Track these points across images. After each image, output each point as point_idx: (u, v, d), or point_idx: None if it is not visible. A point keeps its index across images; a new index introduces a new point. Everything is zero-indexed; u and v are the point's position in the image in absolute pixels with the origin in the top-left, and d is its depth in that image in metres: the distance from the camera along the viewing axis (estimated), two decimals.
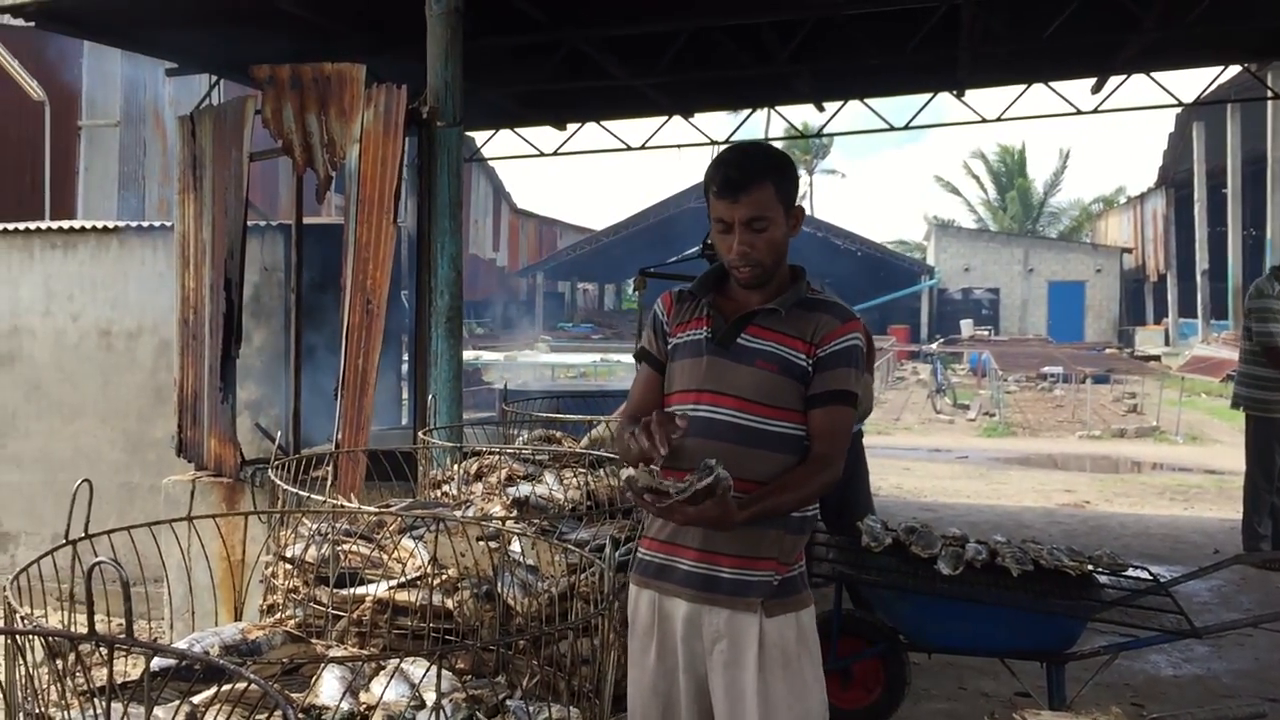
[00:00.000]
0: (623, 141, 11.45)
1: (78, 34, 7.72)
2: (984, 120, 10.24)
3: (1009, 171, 49.36)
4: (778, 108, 11.26)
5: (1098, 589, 4.26)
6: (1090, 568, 4.29)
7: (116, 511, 7.05)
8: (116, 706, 1.71)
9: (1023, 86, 9.96)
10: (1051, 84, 9.70)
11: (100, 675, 1.77)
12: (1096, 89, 9.74)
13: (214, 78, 8.22)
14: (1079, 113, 10.03)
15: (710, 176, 2.54)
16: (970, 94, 9.91)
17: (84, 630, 1.58)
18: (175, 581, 2.80)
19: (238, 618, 3.00)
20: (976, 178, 50.34)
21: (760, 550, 2.49)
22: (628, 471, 2.40)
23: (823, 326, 2.53)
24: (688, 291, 2.68)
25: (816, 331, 2.53)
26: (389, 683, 2.03)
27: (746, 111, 11.29)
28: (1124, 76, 9.54)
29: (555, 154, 11.54)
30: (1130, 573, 4.40)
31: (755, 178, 2.48)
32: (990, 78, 9.66)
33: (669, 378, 2.65)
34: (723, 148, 2.69)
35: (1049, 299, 39.80)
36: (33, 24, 6.72)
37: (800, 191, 2.65)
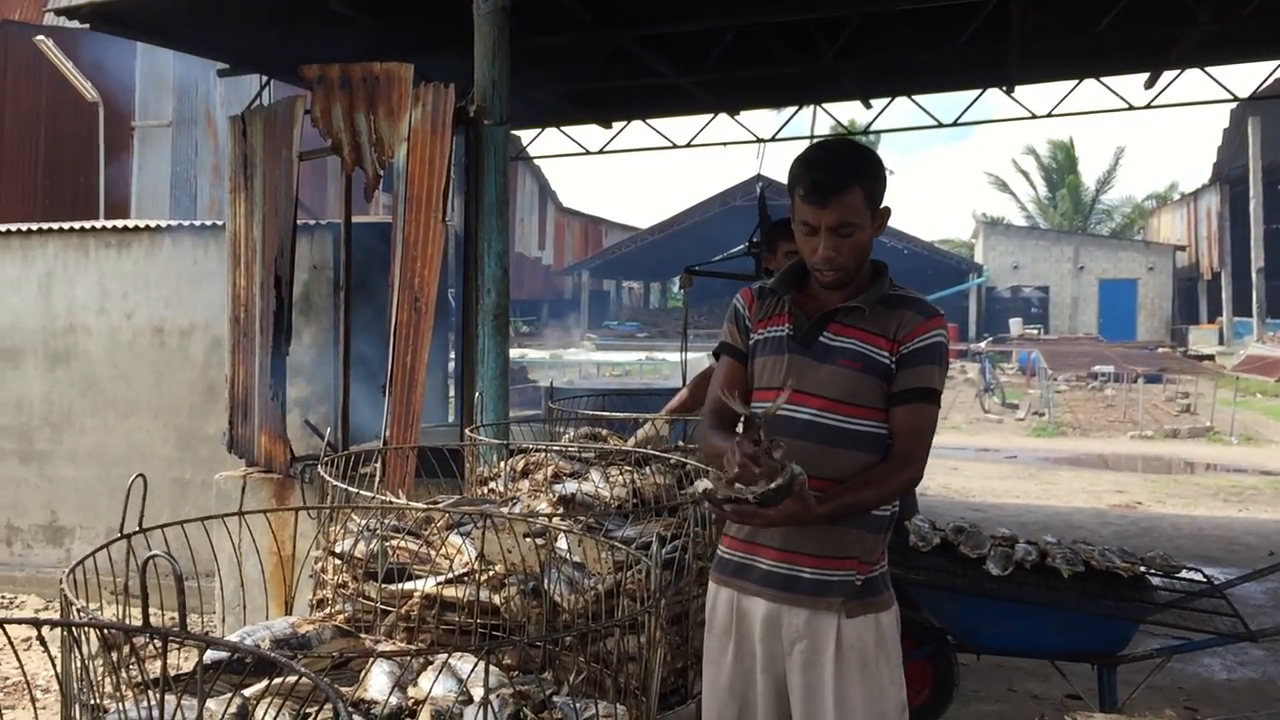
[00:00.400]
0: (668, 139, 11.45)
1: (130, 35, 7.82)
2: (1034, 116, 10.12)
3: (1060, 168, 48.75)
4: (824, 105, 11.20)
5: (1150, 591, 4.20)
6: (1143, 569, 4.23)
7: (169, 506, 7.16)
8: (170, 698, 1.73)
9: (1074, 82, 9.83)
10: (1103, 79, 9.56)
11: (154, 667, 1.79)
12: (1150, 84, 9.59)
13: (264, 78, 8.31)
14: (1131, 108, 9.88)
15: (797, 178, 2.48)
16: (1020, 90, 9.79)
17: (139, 623, 1.61)
18: (226, 576, 2.83)
19: (288, 612, 3.03)
20: (1026, 174, 49.81)
21: (842, 549, 2.48)
22: (703, 484, 2.39)
23: (906, 323, 2.50)
24: (769, 288, 2.65)
25: (900, 328, 2.49)
26: (437, 678, 2.04)
27: (793, 109, 11.23)
28: (1178, 71, 9.39)
29: (601, 152, 11.55)
30: (1184, 575, 4.33)
31: (845, 182, 2.42)
32: (1041, 73, 9.54)
33: (753, 374, 2.63)
34: (811, 144, 2.62)
35: (1100, 297, 39.29)
36: (86, 25, 6.82)
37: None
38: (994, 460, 14.80)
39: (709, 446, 2.62)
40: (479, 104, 5.36)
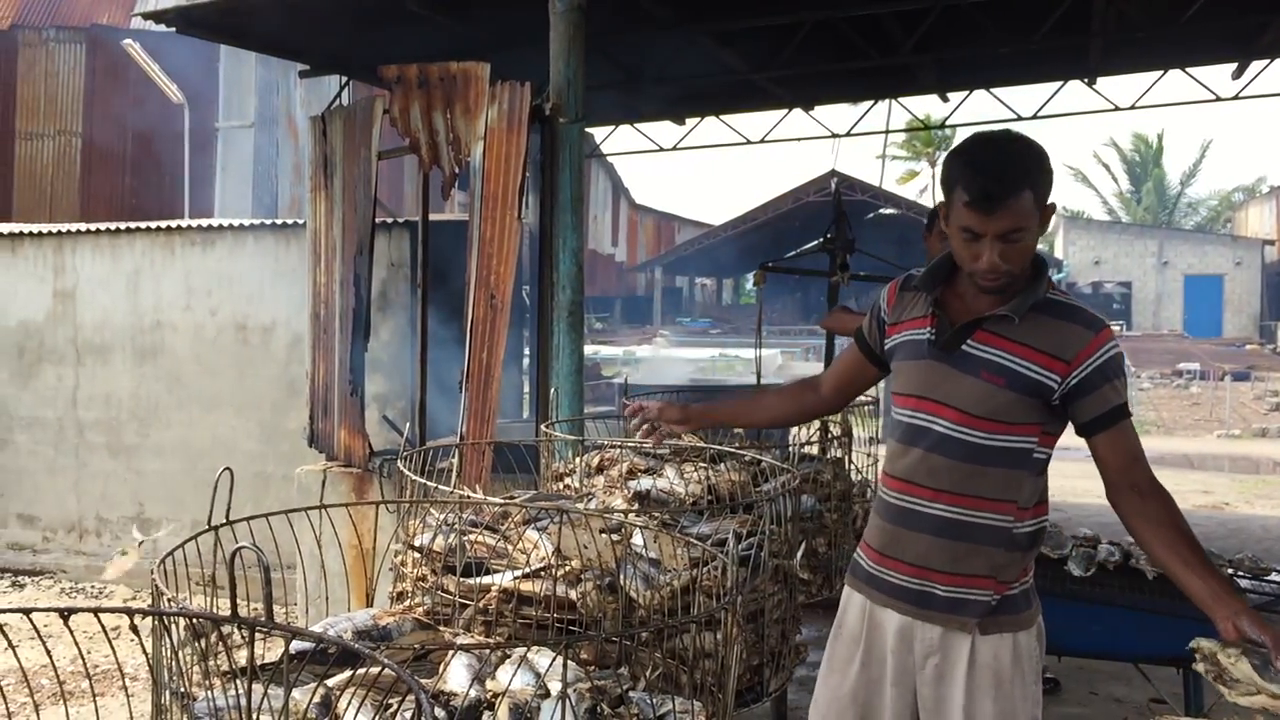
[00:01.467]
0: (742, 135, 11.40)
1: (214, 38, 7.99)
2: (1117, 109, 9.91)
3: (1143, 161, 47.71)
4: (900, 99, 11.07)
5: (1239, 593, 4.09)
6: (1231, 571, 4.12)
7: (252, 499, 7.28)
8: (256, 687, 1.77)
9: (1158, 73, 9.60)
10: (1189, 70, 9.33)
11: (241, 656, 1.83)
12: (1237, 74, 9.34)
13: (344, 79, 8.44)
14: (1218, 99, 9.63)
15: (960, 180, 2.25)
16: (1102, 81, 9.60)
17: (226, 613, 1.64)
18: (308, 568, 2.88)
19: (368, 604, 3.08)
20: (1107, 167, 48.81)
21: (972, 568, 2.37)
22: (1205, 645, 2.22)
23: (1075, 341, 2.28)
24: (915, 283, 2.47)
25: (1069, 347, 2.28)
26: (516, 671, 2.06)
27: (868, 103, 11.12)
28: (1267, 60, 9.13)
29: (674, 149, 11.54)
30: (1273, 577, 4.21)
31: (1016, 188, 2.20)
32: (1124, 64, 9.34)
33: (895, 376, 2.50)
34: (972, 137, 2.36)
35: (1185, 293, 38.37)
36: (173, 29, 6.98)
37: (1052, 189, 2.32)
38: (1074, 459, 14.51)
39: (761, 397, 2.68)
40: (554, 102, 5.38)
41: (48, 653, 1.57)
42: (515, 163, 5.09)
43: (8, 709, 1.73)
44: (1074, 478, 12.71)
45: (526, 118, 5.09)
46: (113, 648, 1.69)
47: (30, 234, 8.84)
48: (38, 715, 1.56)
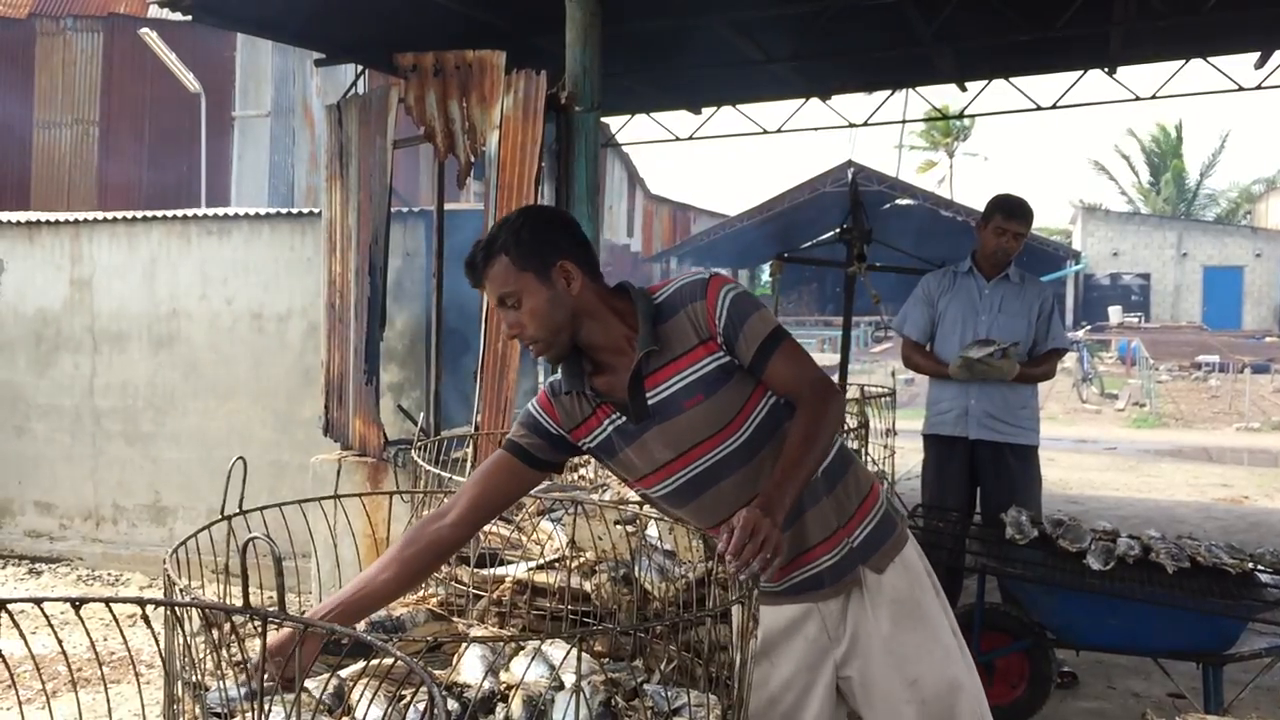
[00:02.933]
0: (758, 125, 11.35)
1: (231, 26, 7.99)
2: (1138, 99, 9.82)
3: (1163, 152, 47.39)
4: (918, 89, 11.00)
5: (1260, 589, 4.05)
6: (1252, 566, 4.09)
7: (267, 488, 7.29)
8: (269, 678, 1.76)
9: (1180, 62, 9.51)
10: (1211, 59, 9.24)
11: (254, 646, 1.82)
12: (1260, 64, 9.24)
13: (359, 67, 8.42)
14: (1240, 89, 9.53)
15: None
16: (1122, 71, 9.51)
17: (239, 603, 1.63)
18: (322, 557, 2.88)
19: None
20: (1127, 159, 48.51)
21: (823, 531, 2.37)
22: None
23: (698, 315, 2.29)
24: (558, 386, 2.38)
25: (700, 326, 2.29)
26: (530, 664, 2.05)
27: (886, 93, 11.04)
28: None
29: (690, 138, 11.50)
30: None
31: (486, 257, 2.28)
32: (1145, 54, 9.24)
33: (622, 469, 2.43)
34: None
35: (1204, 285, 38.10)
36: (189, 18, 6.97)
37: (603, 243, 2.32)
38: (1092, 451, 14.45)
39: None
40: (570, 90, 5.36)
41: (59, 641, 1.57)
42: (531, 152, 5.06)
43: (19, 697, 1.73)
44: (1092, 470, 12.66)
45: (542, 106, 5.07)
46: (124, 637, 1.68)
47: (47, 222, 8.87)
48: (50, 703, 1.56)
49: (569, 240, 2.31)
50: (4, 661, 1.41)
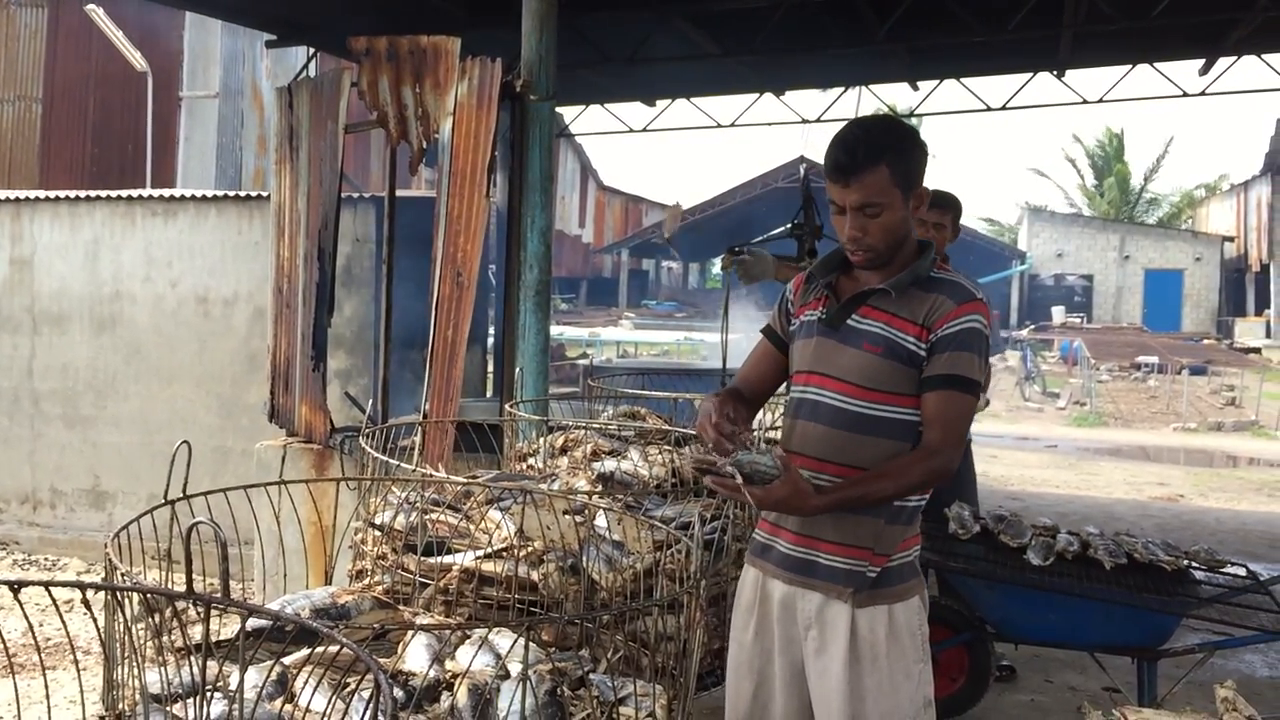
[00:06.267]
0: (713, 119, 11.38)
1: (180, 5, 7.86)
2: (1085, 102, 9.98)
3: (1107, 156, 48.07)
4: (871, 87, 11.08)
5: (1194, 585, 4.13)
6: (1186, 563, 4.17)
7: (210, 474, 7.21)
8: (211, 664, 1.74)
9: (1127, 67, 9.67)
10: (1157, 65, 9.40)
11: (196, 632, 1.80)
12: (1204, 70, 9.42)
13: (311, 50, 8.33)
14: (1185, 95, 9.72)
15: (826, 155, 2.41)
16: (1071, 75, 9.65)
17: (181, 588, 1.61)
18: (266, 543, 2.85)
19: (326, 582, 3.05)
20: (1073, 162, 49.16)
21: (857, 539, 2.40)
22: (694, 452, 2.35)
23: (938, 308, 2.37)
24: (813, 271, 2.57)
25: (931, 313, 2.38)
26: (476, 653, 2.04)
27: (839, 90, 11.12)
28: (1234, 58, 9.21)
29: (645, 130, 11.50)
30: (1227, 570, 4.26)
31: (868, 161, 2.33)
32: (1093, 57, 9.40)
33: (792, 357, 2.58)
34: (842, 125, 2.52)
35: (1145, 287, 38.71)
36: None
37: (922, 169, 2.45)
38: (1033, 449, 14.66)
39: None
40: (525, 79, 5.33)
41: (15, 597, 1.54)
42: (484, 140, 5.03)
43: None
44: (1033, 467, 12.84)
45: (497, 94, 5.04)
46: (64, 621, 1.65)
47: None
48: None
49: (925, 165, 2.44)
50: None
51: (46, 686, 1.51)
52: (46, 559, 8.27)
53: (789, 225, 6.23)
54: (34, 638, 1.60)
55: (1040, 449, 14.75)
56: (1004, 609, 4.18)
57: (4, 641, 1.49)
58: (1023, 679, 5.10)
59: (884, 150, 2.35)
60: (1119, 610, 3.94)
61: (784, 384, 2.75)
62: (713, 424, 2.34)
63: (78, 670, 1.63)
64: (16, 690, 1.64)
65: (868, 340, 2.41)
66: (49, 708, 1.58)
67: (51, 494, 8.54)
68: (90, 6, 15.43)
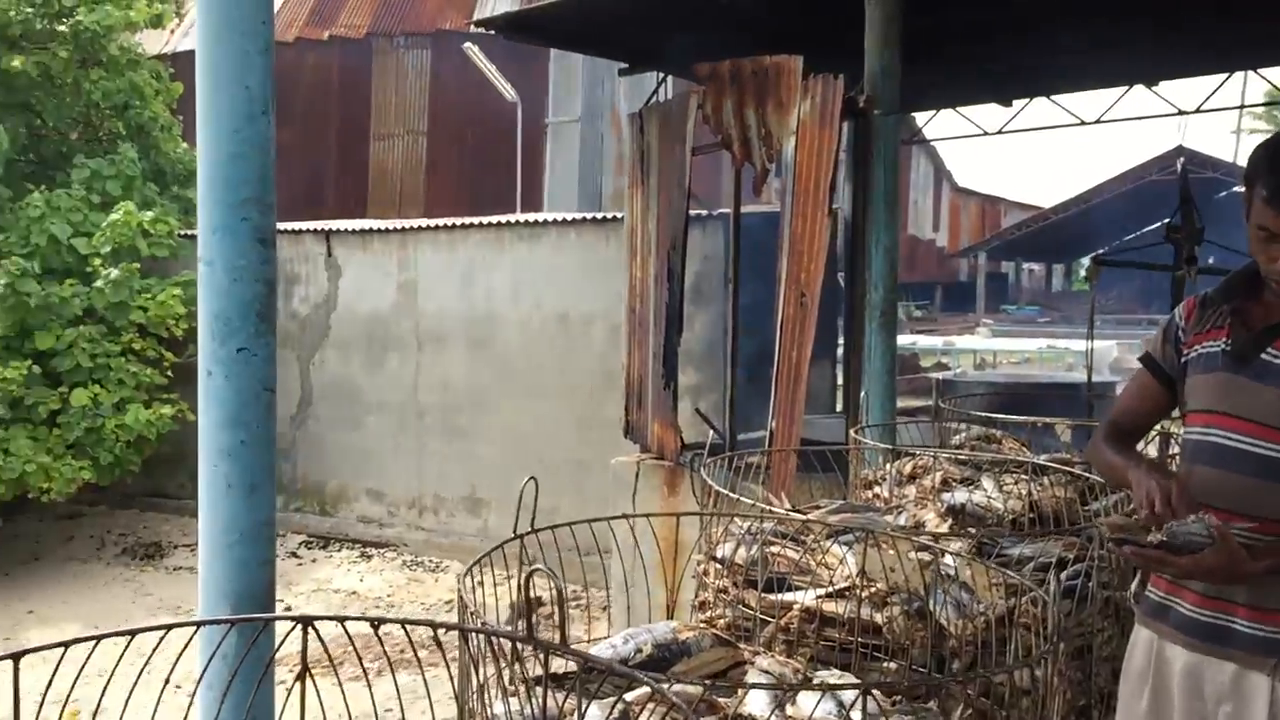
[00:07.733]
0: (1075, 116, 10.69)
1: (540, 42, 8.31)
2: None
3: None
4: (1260, 70, 10.02)
5: None
6: None
7: (572, 484, 7.59)
8: (555, 700, 1.79)
9: None
10: None
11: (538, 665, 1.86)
12: None
13: (661, 75, 8.57)
14: None
15: (1258, 173, 2.09)
16: None
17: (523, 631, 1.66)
18: (623, 553, 2.92)
19: (672, 603, 3.09)
20: None
21: (1279, 602, 2.11)
22: (1107, 518, 2.15)
23: None
24: (1210, 296, 2.29)
25: None
26: (820, 701, 1.98)
27: (1221, 76, 10.13)
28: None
29: (1000, 133, 10.99)
30: None
31: None
32: None
33: (1188, 394, 2.31)
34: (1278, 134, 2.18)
35: None
36: (502, 35, 7.31)
37: None
38: None
39: (1101, 460, 2.37)
40: (868, 94, 5.22)
41: (375, 633, 1.65)
42: (826, 158, 4.97)
43: (338, 674, 1.84)
44: None
45: (839, 111, 4.96)
46: (418, 657, 1.75)
47: (378, 231, 9.59)
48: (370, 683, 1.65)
49: None
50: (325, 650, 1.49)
51: (426, 683, 1.62)
52: (431, 560, 8.99)
53: (1162, 225, 5.75)
54: (410, 641, 1.72)
55: None
56: None
57: (383, 642, 1.60)
58: None
59: None
60: None
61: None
62: (1160, 511, 2.07)
63: (429, 704, 1.73)
64: (397, 685, 1.78)
65: None
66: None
67: (435, 500, 9.28)
68: (467, 45, 16.71)
